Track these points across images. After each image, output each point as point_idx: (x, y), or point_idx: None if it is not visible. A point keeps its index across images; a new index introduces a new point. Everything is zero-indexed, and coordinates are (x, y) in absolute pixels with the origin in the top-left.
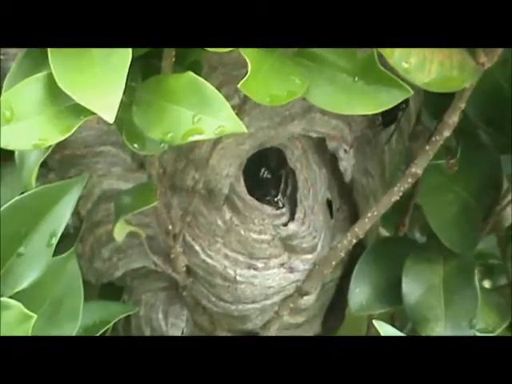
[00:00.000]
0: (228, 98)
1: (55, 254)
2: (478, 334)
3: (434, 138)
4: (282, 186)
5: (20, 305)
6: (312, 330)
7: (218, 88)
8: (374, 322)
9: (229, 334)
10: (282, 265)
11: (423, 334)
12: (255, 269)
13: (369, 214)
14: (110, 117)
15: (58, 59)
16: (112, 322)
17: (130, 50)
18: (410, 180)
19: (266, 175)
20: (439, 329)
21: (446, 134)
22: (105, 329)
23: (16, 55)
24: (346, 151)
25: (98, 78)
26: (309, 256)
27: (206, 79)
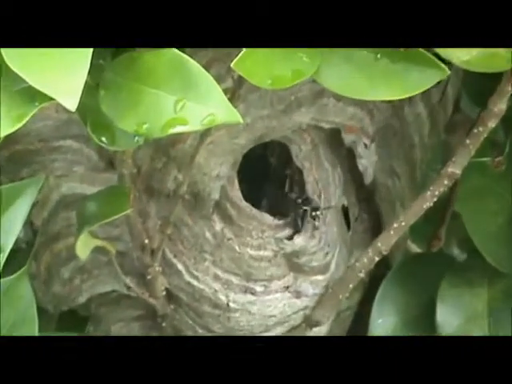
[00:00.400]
0: (219, 79)
1: (4, 274)
2: None
3: (476, 130)
4: (287, 189)
5: None
6: None
7: (207, 67)
8: None
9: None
10: (286, 288)
11: None
12: (253, 293)
13: (395, 225)
14: (71, 103)
15: None
16: None
17: None
18: (446, 182)
19: (267, 176)
20: None
21: (492, 124)
22: None
23: None
24: (366, 146)
25: (57, 55)
26: (320, 277)
27: (191, 56)
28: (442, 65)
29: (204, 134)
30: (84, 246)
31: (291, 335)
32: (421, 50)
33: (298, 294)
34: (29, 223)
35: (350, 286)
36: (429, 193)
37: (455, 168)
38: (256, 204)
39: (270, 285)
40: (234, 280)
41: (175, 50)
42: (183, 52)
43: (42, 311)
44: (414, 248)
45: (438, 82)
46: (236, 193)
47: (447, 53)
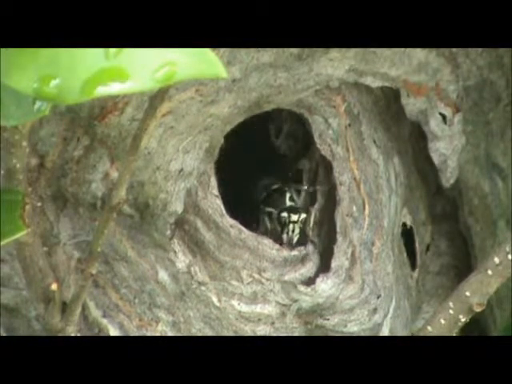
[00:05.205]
0: None
1: None
2: None
3: None
4: (303, 194)
5: None
6: None
7: None
8: None
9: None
10: None
11: None
12: None
13: (495, 259)
14: None
15: None
16: None
17: None
18: None
19: (267, 173)
20: None
21: None
22: None
23: None
24: (445, 120)
25: None
26: None
27: None
28: None
29: (156, 97)
30: None
31: (290, 336)
32: None
33: None
34: None
35: None
36: None
37: None
38: (248, 220)
39: None
40: None
41: None
42: None
43: None
44: None
45: None
46: (213, 201)
47: None
